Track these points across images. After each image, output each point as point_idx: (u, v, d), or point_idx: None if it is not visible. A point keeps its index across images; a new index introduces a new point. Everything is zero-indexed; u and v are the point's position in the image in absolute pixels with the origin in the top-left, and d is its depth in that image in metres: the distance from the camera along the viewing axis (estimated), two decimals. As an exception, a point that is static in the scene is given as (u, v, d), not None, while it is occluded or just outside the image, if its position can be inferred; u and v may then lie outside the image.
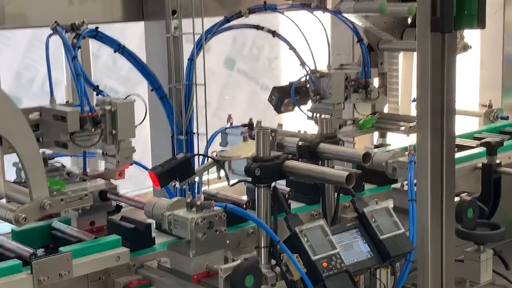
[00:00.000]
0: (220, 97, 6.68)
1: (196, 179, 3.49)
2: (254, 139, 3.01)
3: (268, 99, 4.26)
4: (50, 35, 3.27)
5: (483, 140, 4.00)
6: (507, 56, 5.27)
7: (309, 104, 4.26)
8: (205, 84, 3.76)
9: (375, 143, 4.69)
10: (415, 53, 2.97)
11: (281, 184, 3.35)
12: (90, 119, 3.10)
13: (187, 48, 3.81)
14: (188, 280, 2.88)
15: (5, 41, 5.84)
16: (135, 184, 4.32)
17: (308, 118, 4.21)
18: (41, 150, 3.07)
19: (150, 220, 3.18)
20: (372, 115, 4.50)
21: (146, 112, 3.48)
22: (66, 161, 3.67)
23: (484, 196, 3.76)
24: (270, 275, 2.88)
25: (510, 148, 4.12)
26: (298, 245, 2.82)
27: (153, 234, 3.22)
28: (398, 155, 3.24)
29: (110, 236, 3.05)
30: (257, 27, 4.06)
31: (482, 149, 3.89)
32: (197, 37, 3.76)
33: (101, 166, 3.57)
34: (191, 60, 3.78)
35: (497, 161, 3.79)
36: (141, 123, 3.38)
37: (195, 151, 3.78)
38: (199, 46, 3.78)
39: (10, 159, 3.01)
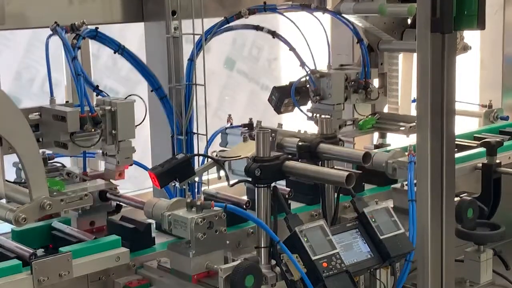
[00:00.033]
0: (220, 98, 6.68)
1: (196, 179, 3.49)
2: (254, 139, 3.02)
3: (268, 99, 4.26)
4: (50, 36, 3.27)
5: (483, 140, 3.99)
6: (507, 56, 5.27)
7: (309, 104, 4.26)
8: (205, 84, 3.76)
9: (375, 143, 4.69)
10: (415, 54, 2.97)
11: (281, 184, 3.34)
12: (90, 119, 3.10)
13: (187, 48, 3.81)
14: (188, 280, 2.87)
15: (5, 41, 5.84)
16: (135, 184, 4.32)
17: (308, 118, 4.21)
18: (41, 150, 3.07)
19: (150, 220, 3.17)
20: (372, 116, 4.50)
21: (146, 112, 3.48)
22: (66, 161, 3.67)
23: (484, 196, 3.76)
24: (270, 275, 2.88)
25: (510, 148, 4.12)
26: (298, 245, 2.82)
27: (153, 234, 3.22)
28: (398, 155, 3.24)
29: (110, 236, 3.05)
30: (257, 28, 4.06)
31: (482, 149, 3.88)
32: (197, 38, 3.76)
33: (101, 166, 3.57)
34: (191, 60, 3.78)
35: (497, 161, 3.79)
36: (141, 123, 3.38)
37: (195, 151, 3.77)
38: (199, 46, 3.78)
39: (10, 159, 3.00)
